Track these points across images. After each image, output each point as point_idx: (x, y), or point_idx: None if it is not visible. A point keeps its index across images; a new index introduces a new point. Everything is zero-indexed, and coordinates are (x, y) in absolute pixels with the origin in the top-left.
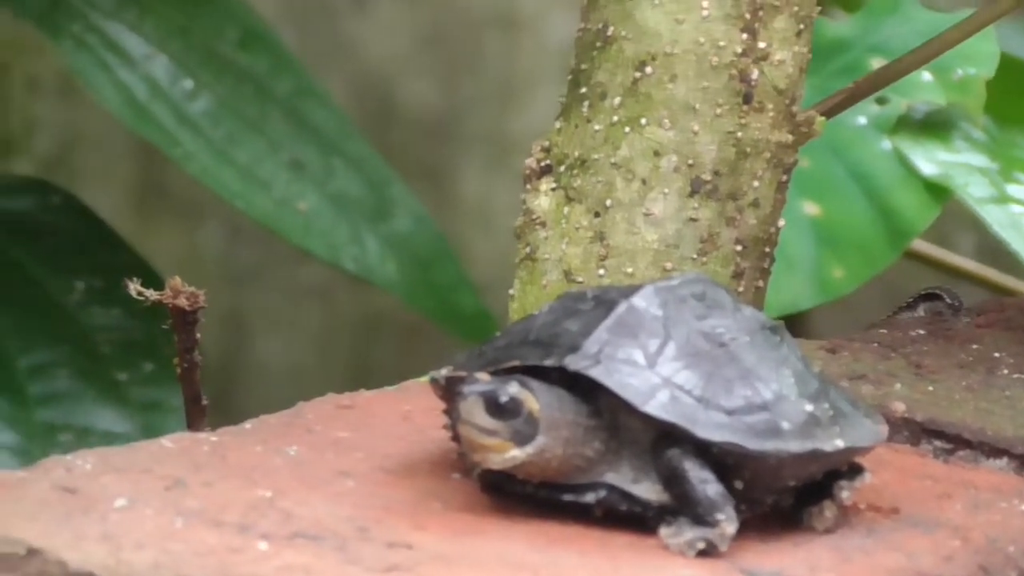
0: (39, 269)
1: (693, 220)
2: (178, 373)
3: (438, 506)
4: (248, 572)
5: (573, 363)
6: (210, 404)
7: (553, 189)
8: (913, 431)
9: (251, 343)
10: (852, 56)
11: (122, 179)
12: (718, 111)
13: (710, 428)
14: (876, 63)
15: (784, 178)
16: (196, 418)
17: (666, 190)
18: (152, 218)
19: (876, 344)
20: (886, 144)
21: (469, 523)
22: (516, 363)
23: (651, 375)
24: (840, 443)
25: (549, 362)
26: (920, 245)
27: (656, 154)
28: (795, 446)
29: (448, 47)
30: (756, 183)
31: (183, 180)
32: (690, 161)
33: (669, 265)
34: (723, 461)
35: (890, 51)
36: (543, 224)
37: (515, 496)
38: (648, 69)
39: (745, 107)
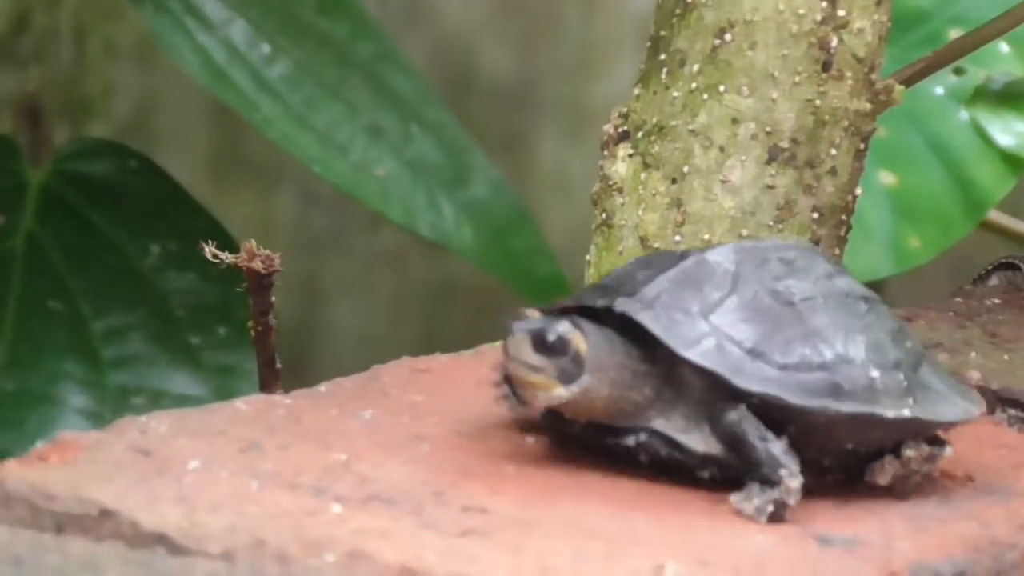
0: (116, 232)
1: (770, 187)
2: (252, 337)
3: (512, 470)
4: (323, 535)
5: (622, 305)
6: (284, 369)
7: (631, 155)
8: (988, 400)
9: (325, 308)
10: (931, 26)
11: (198, 143)
12: (797, 79)
13: (751, 379)
14: (954, 33)
15: (862, 146)
16: (270, 382)
17: (744, 157)
18: (228, 182)
19: (952, 313)
20: (963, 115)
21: (544, 487)
22: (570, 304)
23: (702, 324)
24: (906, 412)
25: (601, 303)
26: (996, 216)
27: (734, 121)
28: (848, 407)
29: (527, 14)
30: (834, 151)
31: (259, 144)
32: (768, 129)
33: (745, 232)
34: (768, 416)
35: (969, 21)
36: (620, 190)
37: (561, 435)
38: (727, 36)
39: (824, 75)
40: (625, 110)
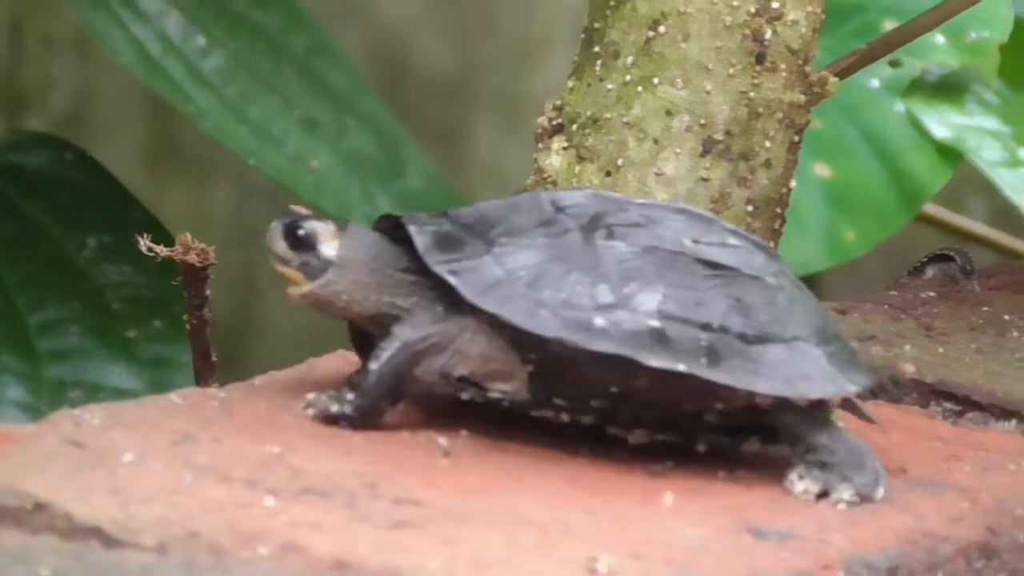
0: (52, 225)
1: (704, 180)
2: (188, 330)
3: (446, 463)
4: (256, 527)
5: (409, 219)
6: (219, 362)
7: (565, 148)
8: (922, 393)
9: (261, 301)
10: (866, 17)
11: (134, 136)
12: (731, 71)
13: (488, 298)
14: (889, 24)
15: (796, 139)
16: (205, 375)
17: (678, 150)
18: (163, 175)
19: (887, 306)
20: (899, 106)
21: (478, 480)
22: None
23: (478, 244)
24: (680, 367)
25: (405, 219)
26: (932, 208)
27: (668, 114)
28: (593, 345)
29: (462, 6)
30: (768, 143)
31: (194, 137)
32: (702, 121)
33: None
34: (520, 343)
35: (904, 13)
36: (554, 183)
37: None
38: (661, 28)
39: (758, 67)
40: (559, 103)
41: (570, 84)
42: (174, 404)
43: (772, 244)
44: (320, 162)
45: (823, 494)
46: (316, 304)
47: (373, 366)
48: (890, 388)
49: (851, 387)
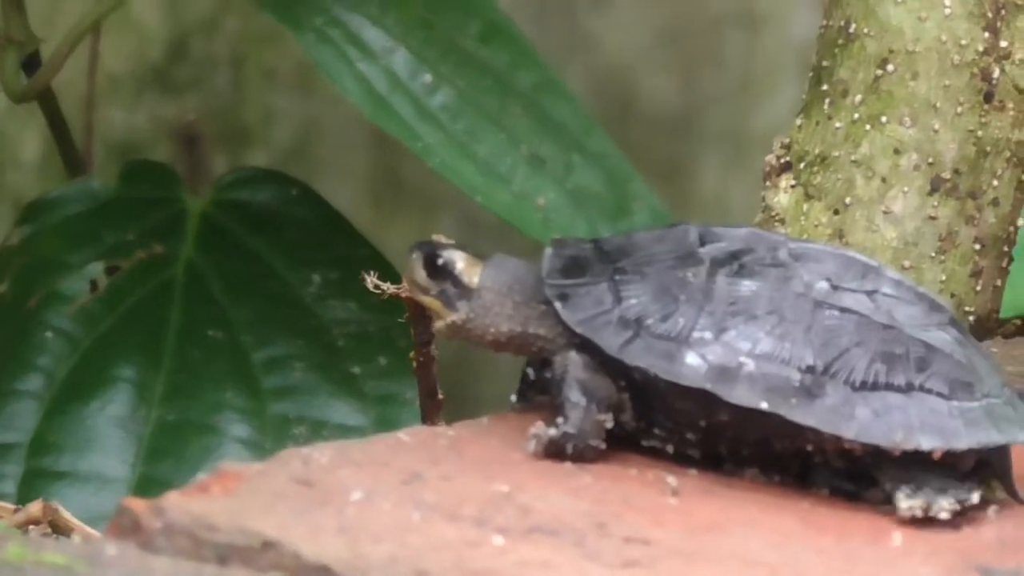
0: (277, 261)
1: (932, 218)
2: (414, 367)
3: (675, 501)
4: (485, 567)
5: (554, 245)
6: (444, 399)
7: (793, 186)
8: None
9: None
10: None
11: (357, 171)
12: (959, 109)
13: (583, 324)
14: None
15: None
16: (432, 412)
17: (906, 188)
18: (387, 211)
19: None
20: None
21: (707, 519)
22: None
23: (600, 266)
24: (764, 405)
25: (553, 245)
26: None
27: (896, 152)
28: (670, 373)
29: (687, 42)
30: (996, 182)
31: (418, 173)
32: (930, 159)
33: (907, 263)
34: (614, 370)
35: None
36: (782, 221)
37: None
38: (890, 67)
39: (986, 106)
40: (787, 140)
41: (798, 122)
42: (402, 442)
43: (999, 282)
44: (547, 199)
45: (928, 509)
46: (458, 334)
47: (568, 389)
48: None
49: (961, 443)
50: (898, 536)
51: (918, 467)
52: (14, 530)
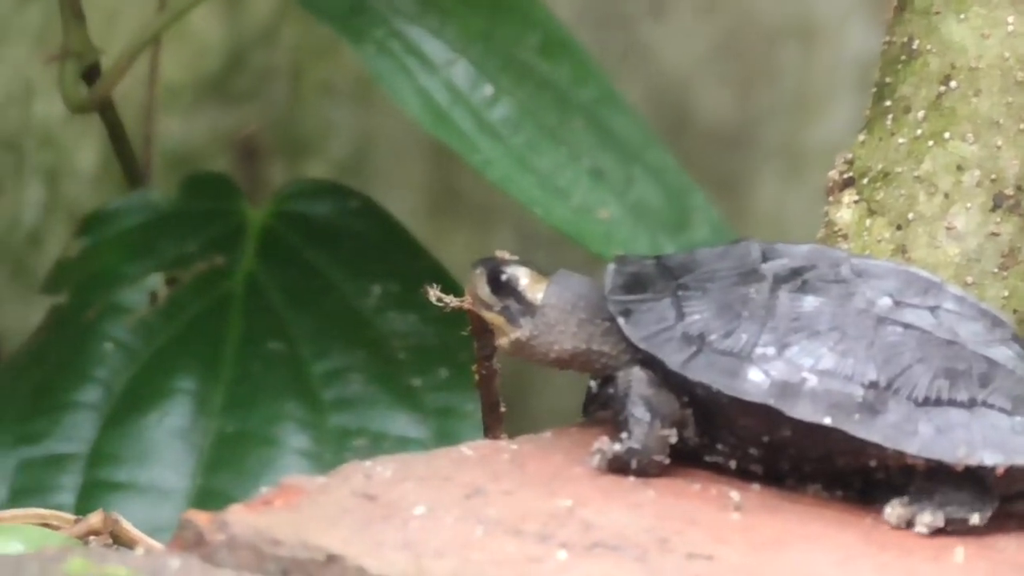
0: (336, 273)
1: (995, 235)
2: (476, 380)
3: (738, 517)
4: None
5: (617, 261)
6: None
7: (856, 202)
8: None
9: None
10: None
11: (415, 184)
12: (1022, 126)
13: (646, 339)
14: None
15: None
16: (493, 426)
17: (968, 204)
18: (445, 223)
19: None
20: None
21: (770, 535)
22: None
23: (663, 283)
24: (827, 420)
25: (616, 261)
26: None
27: (959, 168)
28: (733, 390)
29: (743, 56)
30: None
31: (477, 185)
32: (993, 176)
33: (970, 279)
34: (676, 386)
35: None
36: (845, 236)
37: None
38: (952, 83)
39: None
40: (850, 156)
41: (861, 138)
42: (465, 456)
43: None
44: (609, 212)
45: (911, 518)
46: (522, 351)
47: (632, 405)
48: None
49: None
50: (960, 552)
51: (948, 486)
52: (75, 541)
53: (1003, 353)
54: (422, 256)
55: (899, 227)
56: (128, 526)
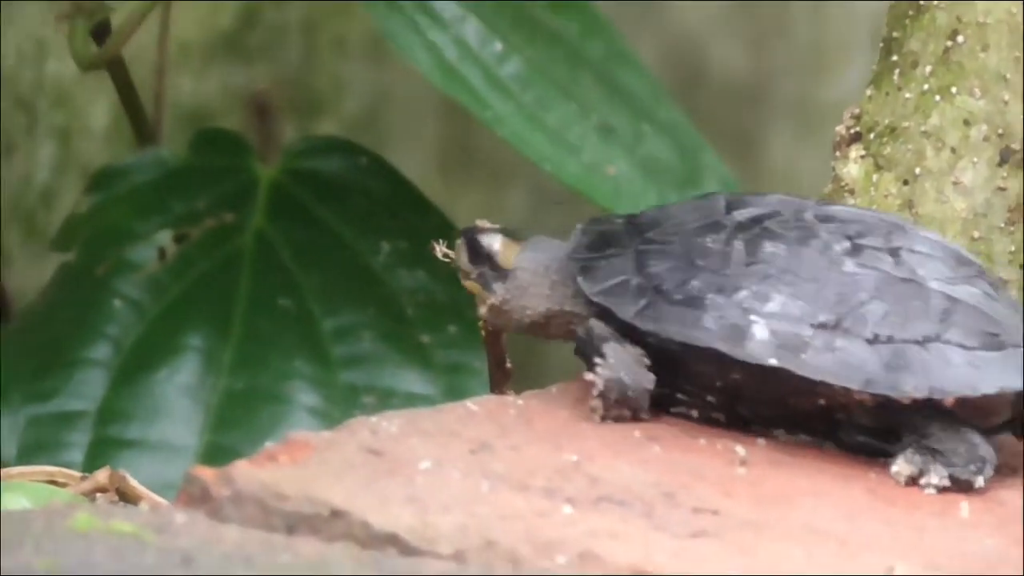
0: (346, 230)
1: (1002, 189)
2: (483, 337)
3: (744, 472)
4: (554, 536)
5: (588, 222)
6: (513, 368)
7: (863, 156)
8: None
9: None
10: None
11: (427, 141)
12: None
13: (599, 292)
14: None
15: None
16: (500, 382)
17: (975, 159)
18: (456, 180)
19: None
20: None
21: (776, 489)
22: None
23: (626, 238)
24: (772, 361)
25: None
26: None
27: (966, 123)
28: (677, 333)
29: (757, 12)
30: None
31: (488, 142)
32: (1000, 130)
33: (977, 234)
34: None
35: None
36: (852, 191)
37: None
38: (960, 38)
39: None
40: (857, 111)
41: (868, 93)
42: (471, 412)
43: None
44: (617, 168)
45: (918, 476)
46: (500, 317)
47: (599, 344)
48: None
49: (979, 389)
50: (966, 507)
51: (941, 425)
52: (81, 498)
53: (966, 291)
54: (431, 213)
55: (906, 182)
56: (134, 483)
